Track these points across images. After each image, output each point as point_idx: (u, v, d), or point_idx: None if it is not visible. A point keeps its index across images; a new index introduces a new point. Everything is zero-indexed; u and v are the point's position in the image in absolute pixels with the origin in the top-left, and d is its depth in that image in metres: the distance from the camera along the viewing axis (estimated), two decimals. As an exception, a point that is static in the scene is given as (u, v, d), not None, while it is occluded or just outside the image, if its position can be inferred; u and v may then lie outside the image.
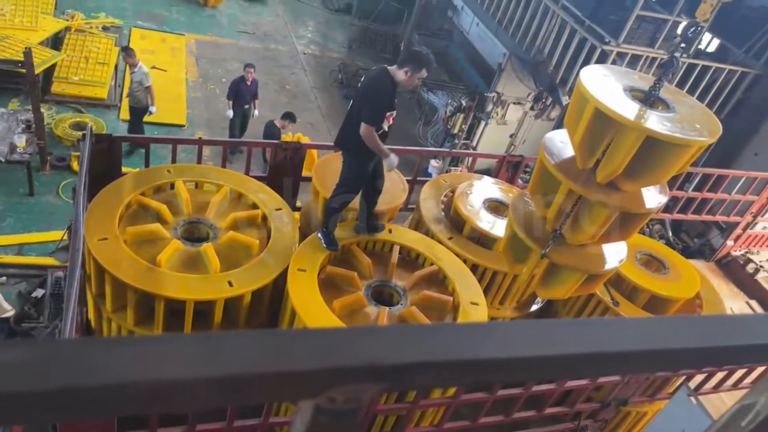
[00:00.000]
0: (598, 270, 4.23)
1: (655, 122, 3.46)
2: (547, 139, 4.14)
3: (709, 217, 8.75)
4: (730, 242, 9.04)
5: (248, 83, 10.23)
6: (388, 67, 4.35)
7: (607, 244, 4.30)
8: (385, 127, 4.34)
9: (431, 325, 0.45)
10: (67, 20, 12.09)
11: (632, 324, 0.49)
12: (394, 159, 4.46)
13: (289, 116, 10.11)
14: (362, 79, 4.51)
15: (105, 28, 12.78)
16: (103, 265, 3.99)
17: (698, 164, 10.19)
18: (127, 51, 9.54)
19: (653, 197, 3.94)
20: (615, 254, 4.37)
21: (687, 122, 3.59)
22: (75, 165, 8.85)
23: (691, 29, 4.11)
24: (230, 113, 10.27)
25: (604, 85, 3.69)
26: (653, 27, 9.16)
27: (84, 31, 12.16)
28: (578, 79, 3.70)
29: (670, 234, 10.41)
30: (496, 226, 5.51)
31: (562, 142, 4.04)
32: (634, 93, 3.73)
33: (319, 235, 4.74)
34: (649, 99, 3.69)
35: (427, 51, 4.32)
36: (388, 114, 4.31)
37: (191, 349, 0.39)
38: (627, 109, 3.51)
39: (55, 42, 11.34)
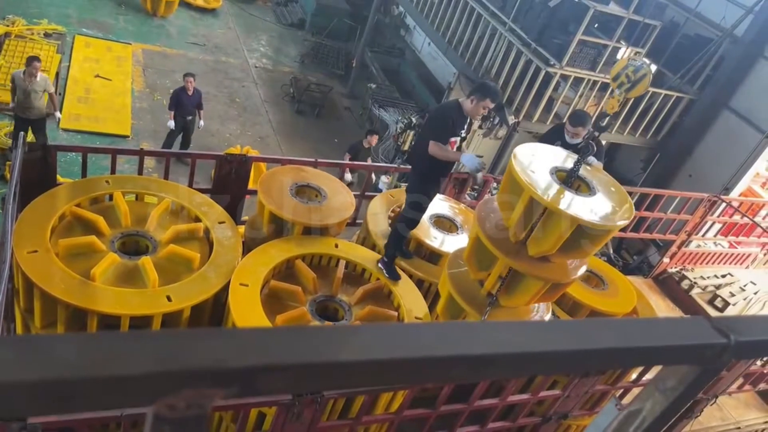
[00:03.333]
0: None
1: (585, 210, 3.80)
2: (480, 209, 4.38)
3: (647, 235, 9.07)
4: (666, 259, 9.38)
5: (189, 93, 10.04)
6: (459, 99, 4.79)
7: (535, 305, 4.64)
8: None
9: (285, 328, 0.44)
10: (7, 26, 11.64)
11: (499, 327, 0.49)
12: (468, 158, 4.69)
13: (374, 131, 10.36)
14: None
15: (47, 35, 12.36)
16: (32, 279, 3.80)
17: (636, 184, 10.61)
18: None
19: (576, 267, 4.23)
20: (542, 314, 4.69)
21: (608, 205, 4.00)
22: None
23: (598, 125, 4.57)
24: (172, 124, 10.07)
25: (533, 168, 3.99)
26: (594, 51, 9.52)
27: (25, 37, 11.74)
28: (510, 163, 3.94)
29: (611, 251, 10.74)
30: (443, 242, 5.56)
31: (492, 214, 4.26)
32: (558, 174, 4.04)
33: (380, 264, 4.89)
34: (570, 179, 4.03)
35: (494, 84, 4.86)
36: (452, 140, 4.69)
37: (4, 352, 0.36)
38: (559, 197, 3.80)
39: (-7, 47, 10.91)
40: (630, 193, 9.35)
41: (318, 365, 0.41)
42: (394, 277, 4.88)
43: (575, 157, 4.16)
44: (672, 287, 8.85)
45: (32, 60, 8.55)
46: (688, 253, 9.28)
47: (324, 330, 0.45)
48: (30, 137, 8.79)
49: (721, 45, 10.04)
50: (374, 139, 10.24)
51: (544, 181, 3.91)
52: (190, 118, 10.25)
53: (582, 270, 4.25)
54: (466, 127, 4.82)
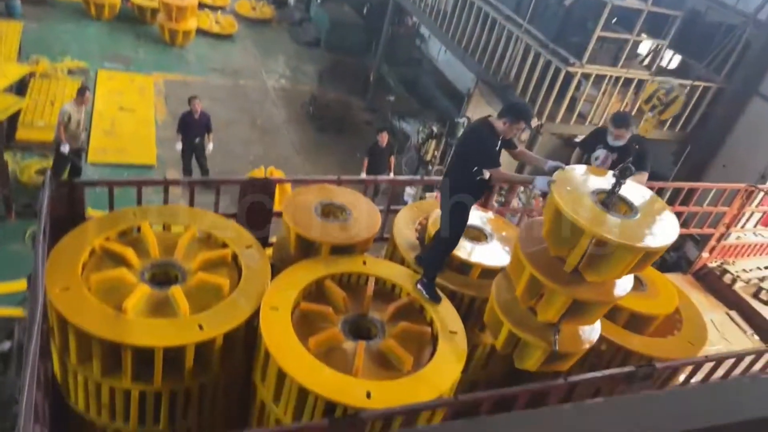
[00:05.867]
0: (573, 349, 4.42)
1: (647, 236, 3.81)
2: (524, 245, 4.28)
3: (683, 230, 8.79)
4: (705, 254, 9.08)
5: (196, 116, 10.12)
6: (490, 118, 4.57)
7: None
8: (486, 175, 4.53)
9: None
10: (32, 66, 11.96)
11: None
12: (541, 181, 4.24)
13: (382, 129, 10.73)
14: (463, 130, 4.67)
15: (70, 72, 12.67)
16: (65, 316, 3.82)
17: (669, 178, 10.33)
18: None
19: (625, 282, 4.22)
20: (588, 334, 4.58)
21: (653, 222, 3.97)
22: (42, 211, 8.63)
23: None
24: (179, 146, 10.21)
25: (578, 201, 3.93)
26: (615, 47, 9.34)
27: (49, 75, 12.04)
28: (557, 203, 3.86)
29: (647, 249, 10.45)
30: (472, 252, 5.45)
31: (538, 242, 4.22)
32: (599, 195, 4.02)
33: (419, 286, 4.77)
34: (611, 201, 3.99)
35: (525, 103, 4.66)
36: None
37: None
38: (620, 229, 3.78)
39: (21, 87, 11.20)
40: (662, 188, 9.18)
41: None
42: (435, 300, 4.74)
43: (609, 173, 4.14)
44: (714, 282, 8.55)
45: (85, 90, 8.97)
46: (728, 246, 8.98)
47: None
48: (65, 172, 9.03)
49: (745, 30, 9.76)
50: (384, 137, 10.33)
51: (591, 211, 3.88)
52: (197, 140, 10.28)
53: (626, 289, 4.22)
54: (499, 143, 4.65)
